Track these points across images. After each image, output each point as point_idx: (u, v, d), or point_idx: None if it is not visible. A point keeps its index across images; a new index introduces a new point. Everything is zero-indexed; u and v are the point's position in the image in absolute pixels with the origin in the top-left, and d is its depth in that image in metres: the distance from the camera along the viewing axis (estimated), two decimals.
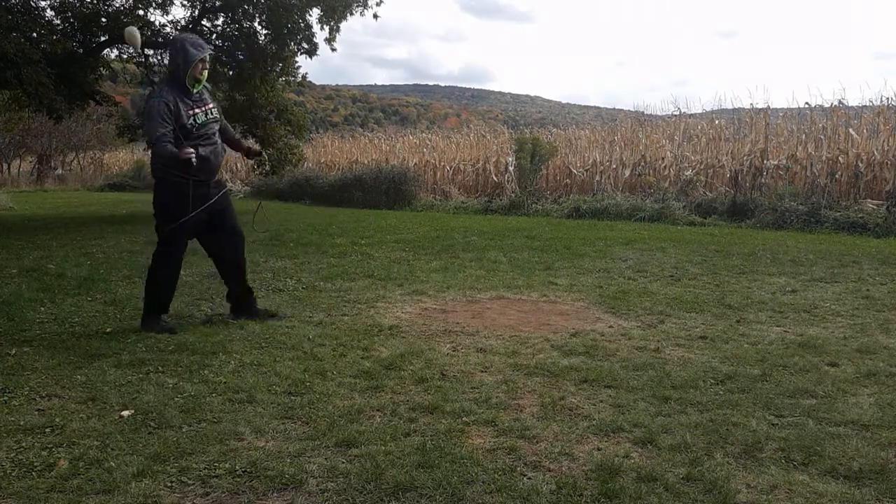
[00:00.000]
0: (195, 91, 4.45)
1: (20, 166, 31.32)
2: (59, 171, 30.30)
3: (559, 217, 13.63)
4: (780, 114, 15.49)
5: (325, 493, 2.39)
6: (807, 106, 14.52)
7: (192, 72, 4.38)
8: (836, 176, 12.90)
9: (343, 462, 2.61)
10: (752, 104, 15.78)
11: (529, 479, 2.51)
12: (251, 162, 5.54)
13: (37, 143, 27.62)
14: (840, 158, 13.03)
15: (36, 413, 3.06)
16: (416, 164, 19.55)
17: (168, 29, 14.23)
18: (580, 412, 3.14)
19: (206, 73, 4.51)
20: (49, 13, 12.66)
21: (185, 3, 13.84)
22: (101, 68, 14.28)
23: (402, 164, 18.99)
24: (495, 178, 17.80)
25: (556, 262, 7.52)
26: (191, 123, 4.37)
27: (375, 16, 13.95)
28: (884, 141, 13.05)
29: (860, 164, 12.75)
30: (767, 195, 12.92)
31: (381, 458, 2.61)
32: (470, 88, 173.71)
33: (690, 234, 10.40)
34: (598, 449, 2.76)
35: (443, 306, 5.38)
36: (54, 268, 6.88)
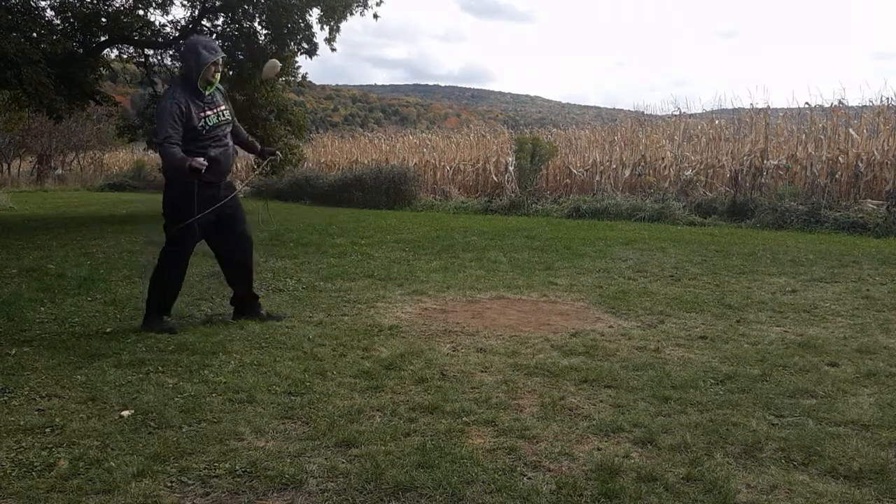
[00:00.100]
0: (207, 93, 4.46)
1: (20, 166, 31.32)
2: (59, 171, 30.30)
3: (559, 217, 13.63)
4: (780, 114, 15.49)
5: (325, 493, 2.39)
6: (807, 106, 14.53)
7: (204, 74, 4.39)
8: (836, 176, 12.90)
9: (343, 462, 2.61)
10: (752, 104, 15.80)
11: (529, 479, 2.51)
12: (264, 163, 5.46)
13: (37, 143, 27.63)
14: (840, 158, 13.03)
15: (36, 413, 3.06)
16: (416, 164, 19.55)
17: (168, 29, 14.26)
18: (580, 412, 3.14)
19: (218, 75, 4.52)
20: (49, 13, 12.69)
21: (185, 3, 13.87)
22: (101, 68, 14.29)
23: (402, 164, 18.99)
24: (495, 178, 17.81)
25: (556, 262, 7.52)
26: (202, 125, 4.38)
27: (375, 16, 13.98)
28: (884, 141, 13.05)
29: (860, 164, 12.75)
30: (767, 195, 12.91)
31: (381, 458, 2.61)
32: (470, 88, 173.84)
33: (690, 234, 10.40)
34: (598, 449, 2.76)
35: (443, 306, 5.38)
36: (54, 268, 6.88)
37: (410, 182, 16.87)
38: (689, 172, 14.70)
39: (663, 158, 15.81)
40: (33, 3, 12.22)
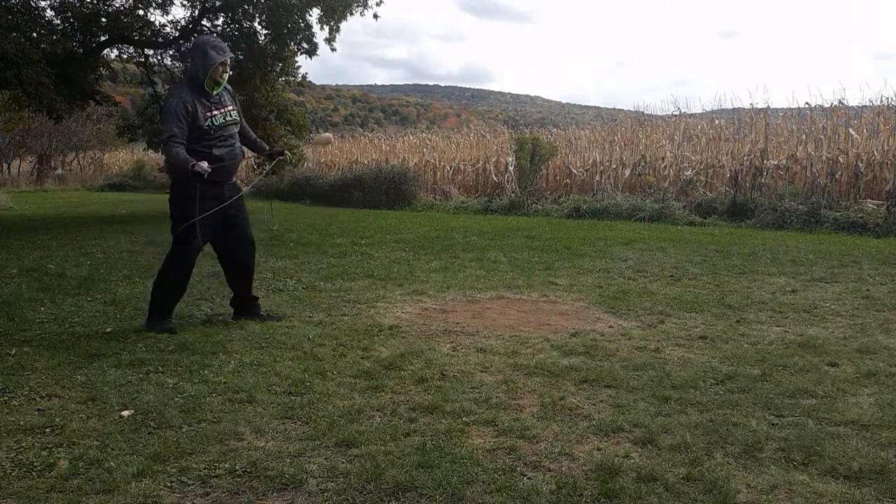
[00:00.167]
0: (214, 93, 4.46)
1: (20, 166, 31.32)
2: (59, 171, 30.30)
3: (559, 217, 13.63)
4: (780, 114, 15.50)
5: (325, 493, 2.39)
6: (807, 106, 14.53)
7: (212, 74, 4.40)
8: (836, 176, 12.90)
9: (343, 462, 2.61)
10: (752, 104, 15.81)
11: (529, 479, 2.51)
12: (272, 163, 5.46)
13: (37, 143, 27.62)
14: (840, 158, 13.03)
15: (36, 413, 3.06)
16: (416, 164, 19.55)
17: (168, 29, 14.26)
18: (580, 412, 3.14)
19: (226, 76, 4.52)
20: (49, 13, 12.68)
21: (185, 3, 13.86)
22: (101, 68, 14.28)
23: (402, 164, 18.99)
24: (495, 178, 17.81)
25: (556, 262, 7.52)
26: (208, 125, 4.38)
27: (375, 16, 13.96)
28: (884, 141, 13.05)
29: (860, 164, 12.76)
30: (767, 195, 12.91)
31: (381, 458, 2.61)
32: (470, 88, 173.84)
33: (690, 234, 10.40)
34: (598, 449, 2.76)
35: (443, 306, 5.38)
36: (54, 268, 6.88)
37: (410, 182, 16.87)
38: (689, 172, 14.70)
39: (663, 158, 15.81)
40: (33, 3, 12.22)
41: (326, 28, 13.70)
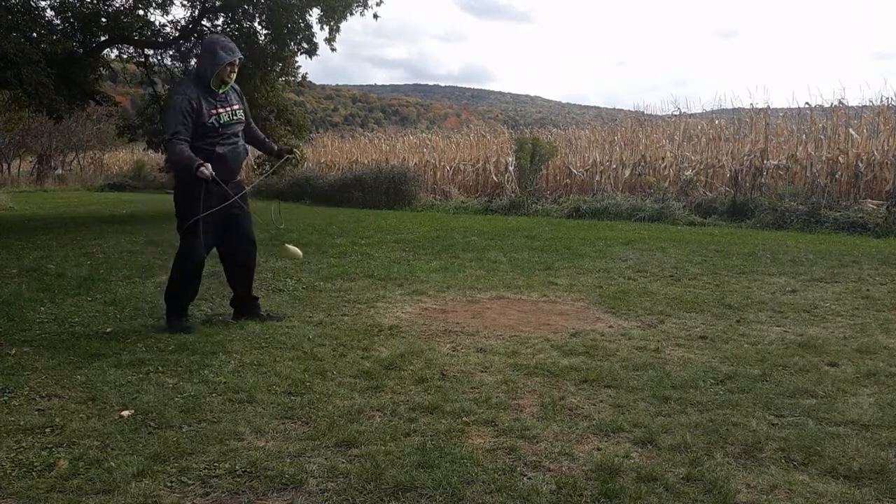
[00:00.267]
0: (221, 91, 4.48)
1: (20, 166, 31.31)
2: (59, 171, 30.29)
3: (559, 217, 13.63)
4: (780, 114, 15.49)
5: (325, 493, 2.39)
6: (807, 106, 14.53)
7: (219, 73, 4.42)
8: (836, 176, 12.90)
9: (343, 462, 2.61)
10: (752, 104, 15.80)
11: (529, 479, 2.51)
12: (280, 161, 5.47)
13: (37, 143, 27.62)
14: (840, 158, 13.03)
15: (36, 413, 3.06)
16: (416, 164, 19.55)
17: (168, 29, 14.26)
18: (580, 412, 3.14)
19: (233, 75, 4.54)
20: (49, 13, 12.69)
21: (185, 3, 13.86)
22: (101, 68, 14.28)
23: (402, 164, 18.98)
24: (495, 178, 17.80)
25: (556, 262, 7.52)
26: (212, 123, 4.39)
27: (375, 16, 13.97)
28: (884, 141, 13.05)
29: (860, 164, 12.75)
30: (767, 195, 12.91)
31: (381, 458, 2.61)
32: (470, 88, 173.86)
33: (690, 234, 10.40)
34: (598, 449, 2.76)
35: (443, 306, 5.38)
36: (54, 268, 6.88)
37: (410, 182, 16.87)
38: (689, 172, 14.70)
39: (663, 158, 15.81)
40: (33, 3, 12.22)
41: (326, 28, 13.72)
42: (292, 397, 3.29)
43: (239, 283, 4.84)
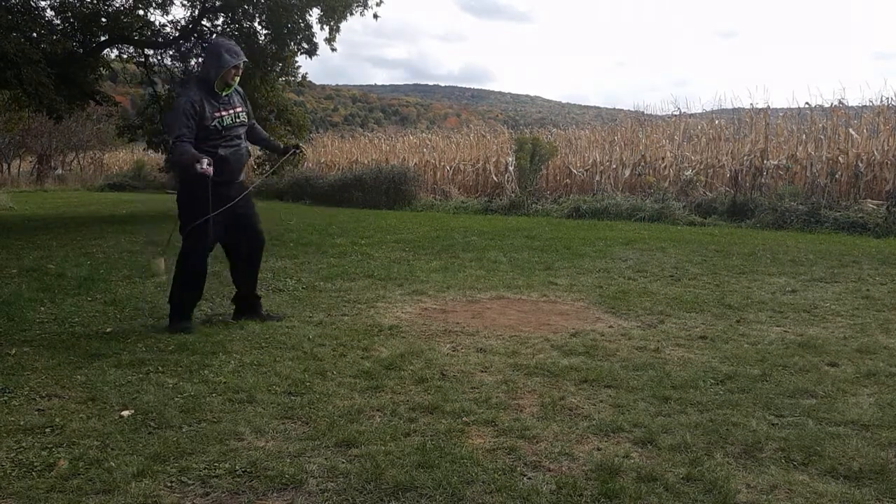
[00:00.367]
0: (224, 94, 4.49)
1: (20, 166, 31.32)
2: (59, 171, 30.30)
3: (559, 217, 13.63)
4: (780, 114, 15.49)
5: (325, 493, 2.39)
6: (807, 106, 14.53)
7: (223, 76, 4.43)
8: (836, 176, 12.91)
9: (343, 462, 2.61)
10: (752, 104, 15.80)
11: (529, 479, 2.51)
12: (286, 156, 5.51)
13: (37, 143, 27.62)
14: (840, 158, 13.03)
15: (36, 413, 3.06)
16: (416, 164, 19.55)
17: (168, 29, 14.26)
18: (580, 412, 3.14)
19: (237, 79, 4.55)
20: (49, 13, 12.69)
21: (185, 2, 13.86)
22: (101, 68, 14.28)
23: (402, 164, 18.99)
24: (495, 178, 17.81)
25: (556, 262, 7.52)
26: (215, 125, 4.40)
27: (375, 16, 13.97)
28: (884, 141, 13.05)
29: (860, 164, 12.76)
30: (767, 195, 12.91)
31: (381, 458, 2.61)
32: (470, 88, 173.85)
33: (690, 234, 10.40)
34: (598, 449, 2.76)
35: (443, 306, 5.38)
36: (54, 268, 6.88)
37: (410, 182, 16.87)
38: (689, 172, 14.70)
39: (663, 158, 15.81)
40: (33, 3, 12.22)
41: (326, 28, 13.72)
42: (292, 397, 3.29)
43: (243, 280, 4.85)
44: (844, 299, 5.68)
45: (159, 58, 14.95)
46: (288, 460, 2.62)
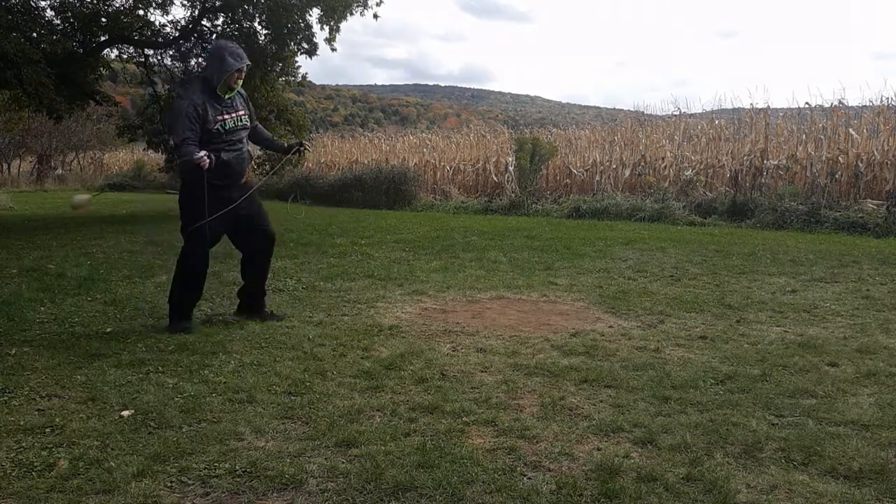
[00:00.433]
0: (227, 97, 4.50)
1: (20, 166, 31.32)
2: (59, 171, 30.30)
3: (559, 217, 13.63)
4: (780, 114, 15.49)
5: (325, 493, 2.39)
6: (807, 106, 14.53)
7: (226, 80, 4.44)
8: (836, 176, 12.90)
9: (343, 462, 2.61)
10: (752, 104, 15.80)
11: (529, 479, 2.51)
12: (289, 154, 5.54)
13: (37, 143, 27.62)
14: (840, 158, 13.03)
15: (36, 413, 3.06)
16: (416, 164, 19.55)
17: (168, 29, 14.26)
18: (580, 412, 3.14)
19: (240, 82, 4.56)
20: (49, 13, 12.68)
21: (185, 2, 13.86)
22: (101, 68, 14.28)
23: (402, 164, 18.99)
24: (495, 178, 17.80)
25: (556, 262, 7.52)
26: (217, 129, 4.41)
27: (375, 16, 13.97)
28: (884, 141, 13.05)
29: (860, 164, 12.75)
30: (767, 195, 12.91)
31: (381, 458, 2.61)
32: (470, 88, 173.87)
33: (690, 234, 10.40)
34: (598, 449, 2.76)
35: (443, 306, 5.38)
36: (54, 268, 6.88)
37: (410, 182, 16.87)
38: (689, 172, 14.70)
39: (663, 158, 15.81)
40: (33, 3, 12.21)
41: (326, 28, 13.72)
42: (292, 397, 3.29)
43: (252, 275, 4.87)
44: (844, 299, 5.67)
45: (159, 58, 14.95)
46: (288, 460, 2.62)
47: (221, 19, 13.88)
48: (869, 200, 12.06)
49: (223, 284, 5.94)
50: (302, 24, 13.20)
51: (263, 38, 13.49)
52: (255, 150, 4.95)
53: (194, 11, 13.87)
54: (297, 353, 4.03)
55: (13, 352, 3.95)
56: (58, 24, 12.59)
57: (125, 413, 3.05)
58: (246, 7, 13.18)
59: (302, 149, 5.11)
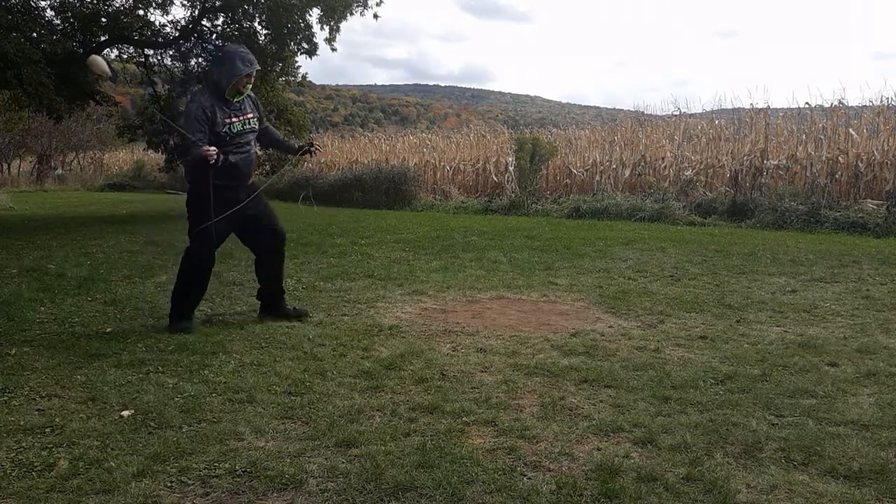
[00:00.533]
0: (236, 101, 4.52)
1: (20, 166, 31.32)
2: (59, 171, 30.31)
3: (559, 217, 13.63)
4: (780, 114, 15.49)
5: (325, 493, 2.39)
6: (807, 106, 14.53)
7: (235, 84, 4.46)
8: (836, 176, 12.90)
9: (343, 462, 2.61)
10: (752, 104, 15.80)
11: (529, 479, 2.51)
12: (298, 154, 5.56)
13: (37, 143, 27.62)
14: (840, 158, 13.03)
15: (36, 413, 3.06)
16: (416, 164, 19.55)
17: (168, 29, 14.26)
18: (580, 412, 3.14)
19: (249, 86, 4.58)
20: (49, 13, 12.68)
21: (185, 2, 13.86)
22: None
23: (402, 164, 18.98)
24: (495, 178, 17.80)
25: (556, 262, 7.52)
26: (225, 132, 4.44)
27: (375, 16, 13.97)
28: (884, 141, 13.05)
29: (860, 164, 12.75)
30: (767, 195, 12.91)
31: (381, 458, 2.61)
32: (470, 88, 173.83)
33: (690, 234, 10.40)
34: (598, 449, 2.76)
35: (443, 306, 5.38)
36: (54, 268, 6.88)
37: (410, 182, 16.87)
38: (689, 172, 14.70)
39: (663, 158, 15.81)
40: (33, 3, 12.21)
41: (326, 28, 13.73)
42: (292, 397, 3.29)
43: (267, 275, 4.89)
44: (844, 299, 5.67)
45: (159, 58, 14.96)
46: (288, 460, 2.62)
47: (221, 19, 13.88)
48: (869, 200, 12.06)
49: (223, 284, 5.94)
50: (302, 24, 13.21)
51: (263, 38, 13.49)
52: (257, 151, 4.93)
53: (194, 11, 13.87)
54: (297, 353, 4.03)
55: (13, 352, 3.95)
56: (58, 24, 12.58)
57: (125, 413, 3.05)
58: (246, 7, 13.19)
59: (313, 149, 5.11)
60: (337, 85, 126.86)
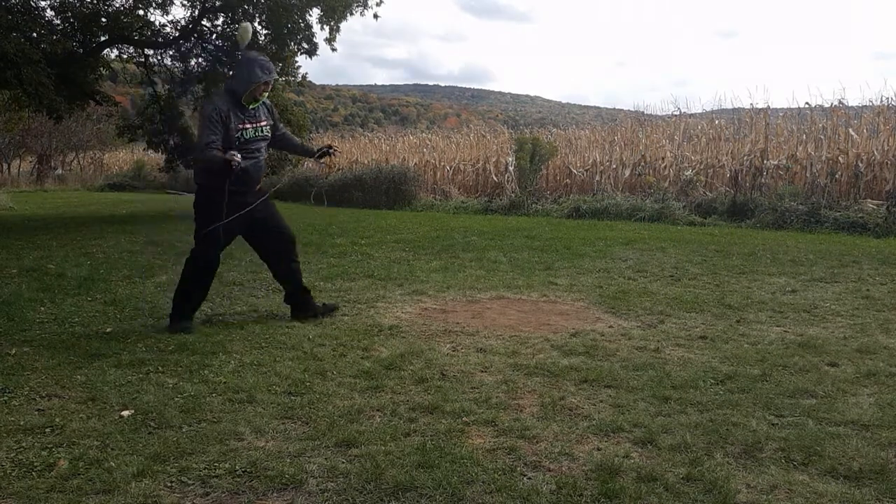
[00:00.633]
0: (251, 107, 4.54)
1: (20, 166, 31.34)
2: (59, 171, 30.32)
3: (559, 217, 13.63)
4: (780, 114, 15.49)
5: (325, 493, 2.39)
6: (807, 106, 14.53)
7: (252, 91, 4.48)
8: (836, 176, 12.90)
9: (343, 462, 2.61)
10: (752, 104, 15.79)
11: (529, 479, 2.51)
12: (315, 156, 5.57)
13: (37, 143, 27.64)
14: (840, 158, 13.02)
15: (36, 413, 3.06)
16: (416, 164, 19.54)
17: (168, 29, 14.26)
18: (580, 412, 3.14)
19: (266, 94, 4.60)
20: (49, 13, 12.69)
21: (186, 2, 13.87)
22: (101, 68, 14.29)
23: (402, 164, 18.98)
24: (495, 178, 17.80)
25: (556, 262, 7.52)
26: (237, 137, 4.45)
27: (375, 16, 13.98)
28: (884, 141, 13.04)
29: (860, 164, 12.75)
30: (767, 195, 12.91)
31: (381, 458, 2.61)
32: (470, 88, 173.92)
33: (690, 234, 10.40)
34: (598, 449, 2.76)
35: (443, 306, 5.38)
36: (54, 268, 6.88)
37: (410, 182, 16.87)
38: (689, 172, 14.70)
39: (663, 158, 15.80)
40: (33, 3, 12.22)
41: (326, 28, 13.73)
42: (292, 397, 3.29)
43: (285, 277, 4.91)
44: (844, 299, 5.67)
45: (159, 58, 14.97)
46: (288, 460, 2.62)
47: (221, 19, 13.90)
48: (869, 200, 12.06)
49: (223, 284, 5.94)
50: (302, 24, 13.22)
51: (263, 38, 13.49)
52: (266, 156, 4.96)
53: (194, 11, 13.88)
54: (297, 353, 4.03)
55: (13, 352, 3.95)
56: (58, 24, 12.59)
57: (125, 413, 3.05)
58: (246, 7, 13.19)
59: (332, 152, 5.12)
60: (337, 85, 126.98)
